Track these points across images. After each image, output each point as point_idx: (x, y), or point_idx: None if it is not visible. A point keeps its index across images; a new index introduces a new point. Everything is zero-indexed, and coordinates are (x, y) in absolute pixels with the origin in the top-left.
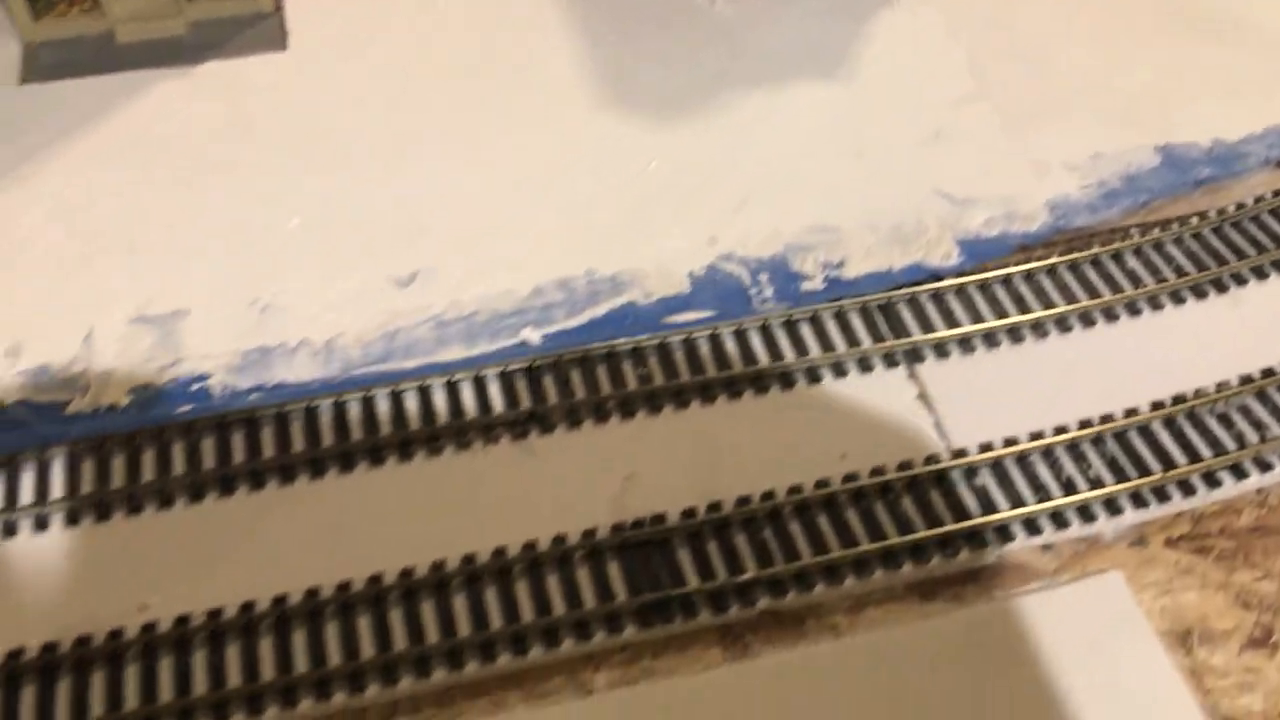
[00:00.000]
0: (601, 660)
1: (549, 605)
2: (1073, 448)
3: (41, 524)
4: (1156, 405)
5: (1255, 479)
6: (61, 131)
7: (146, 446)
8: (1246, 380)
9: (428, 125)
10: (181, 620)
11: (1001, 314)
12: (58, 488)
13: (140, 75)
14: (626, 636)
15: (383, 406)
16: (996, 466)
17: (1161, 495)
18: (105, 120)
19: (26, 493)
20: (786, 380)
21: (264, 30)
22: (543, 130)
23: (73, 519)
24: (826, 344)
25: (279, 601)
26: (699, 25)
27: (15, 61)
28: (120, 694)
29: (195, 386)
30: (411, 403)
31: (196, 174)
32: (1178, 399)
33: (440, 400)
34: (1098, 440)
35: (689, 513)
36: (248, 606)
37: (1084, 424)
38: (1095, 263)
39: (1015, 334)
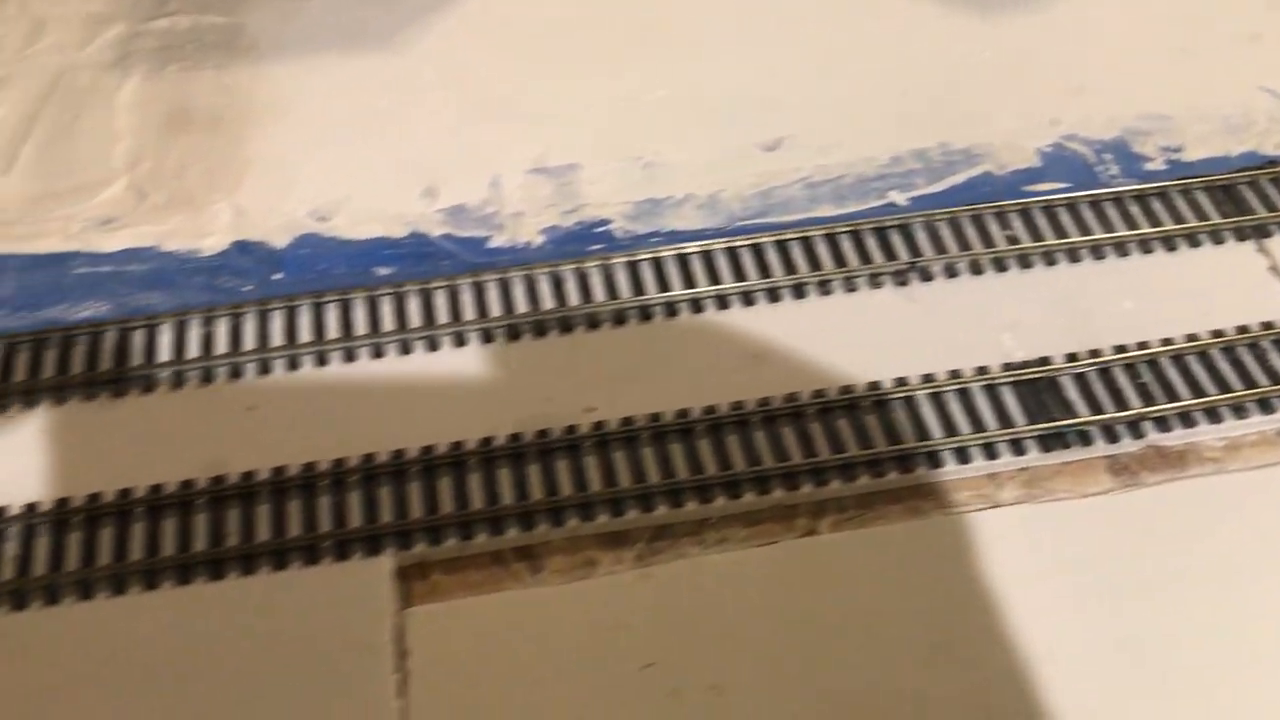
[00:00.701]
0: (1005, 480)
1: (955, 427)
2: None
3: (488, 337)
4: None
5: None
6: (427, 4)
7: (567, 279)
8: None
9: (770, 8)
10: (626, 421)
11: None
12: (495, 308)
13: None
14: (1028, 459)
15: (771, 254)
16: None
17: None
18: None
19: (469, 310)
20: (1145, 247)
21: None
22: (880, 17)
23: (514, 335)
24: (1178, 217)
25: (710, 410)
26: None
27: None
28: (584, 478)
29: (599, 229)
30: (797, 251)
31: (560, 45)
32: None
33: (823, 250)
34: None
35: (1071, 356)
36: (684, 413)
37: None
38: None
39: None
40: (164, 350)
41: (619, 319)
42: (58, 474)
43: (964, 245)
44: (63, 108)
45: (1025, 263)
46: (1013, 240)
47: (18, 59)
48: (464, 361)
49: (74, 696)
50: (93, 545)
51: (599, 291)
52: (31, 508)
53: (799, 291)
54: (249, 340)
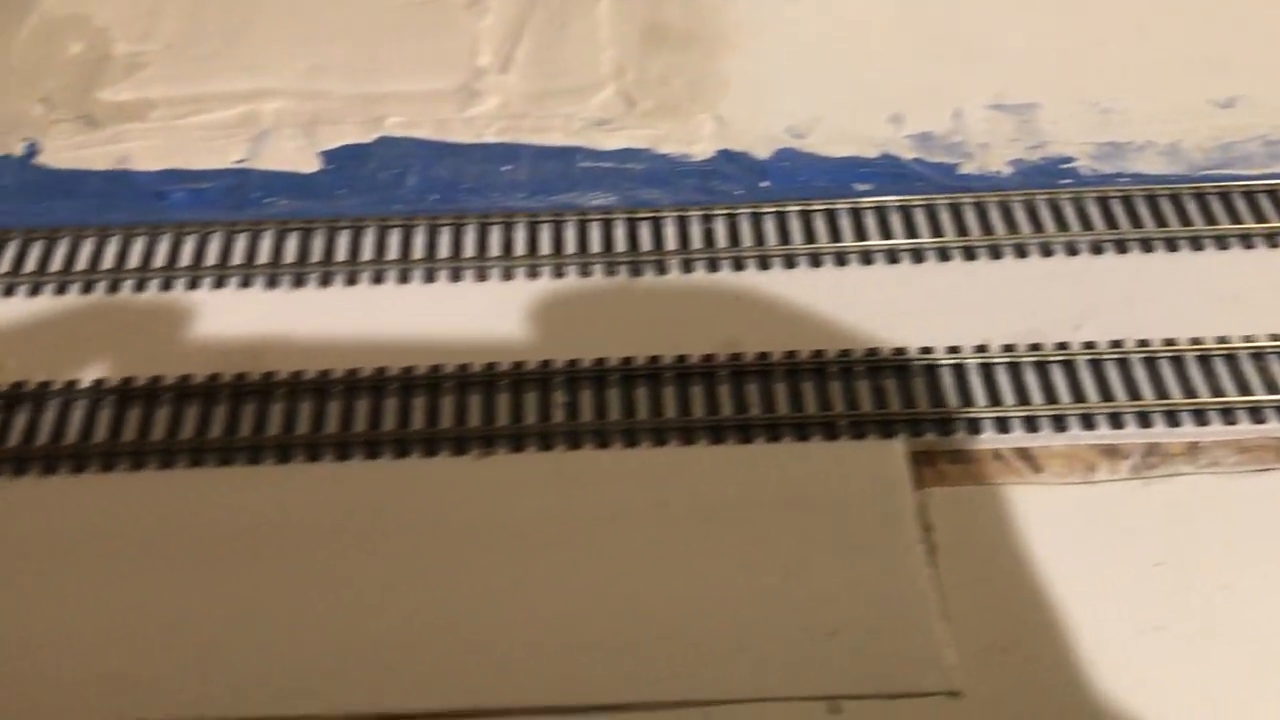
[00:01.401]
0: None
1: None
2: None
3: (970, 254)
4: None
5: None
6: None
7: (1041, 208)
8: None
9: None
10: (1115, 343)
11: None
12: (974, 229)
13: None
14: None
15: (1240, 203)
16: None
17: None
18: None
19: (949, 229)
20: None
21: None
22: None
23: (995, 254)
24: None
25: (1196, 341)
26: None
27: None
28: (1080, 391)
29: (1065, 166)
30: (1265, 203)
31: None
32: None
33: None
34: None
35: None
36: (1170, 341)
37: None
38: None
39: None
40: (670, 240)
41: (1096, 249)
42: (579, 338)
43: None
44: (548, 17)
45: None
46: None
47: None
48: (948, 274)
49: (613, 523)
50: (600, 401)
51: (1073, 222)
52: (574, 363)
53: (1273, 241)
54: (746, 238)
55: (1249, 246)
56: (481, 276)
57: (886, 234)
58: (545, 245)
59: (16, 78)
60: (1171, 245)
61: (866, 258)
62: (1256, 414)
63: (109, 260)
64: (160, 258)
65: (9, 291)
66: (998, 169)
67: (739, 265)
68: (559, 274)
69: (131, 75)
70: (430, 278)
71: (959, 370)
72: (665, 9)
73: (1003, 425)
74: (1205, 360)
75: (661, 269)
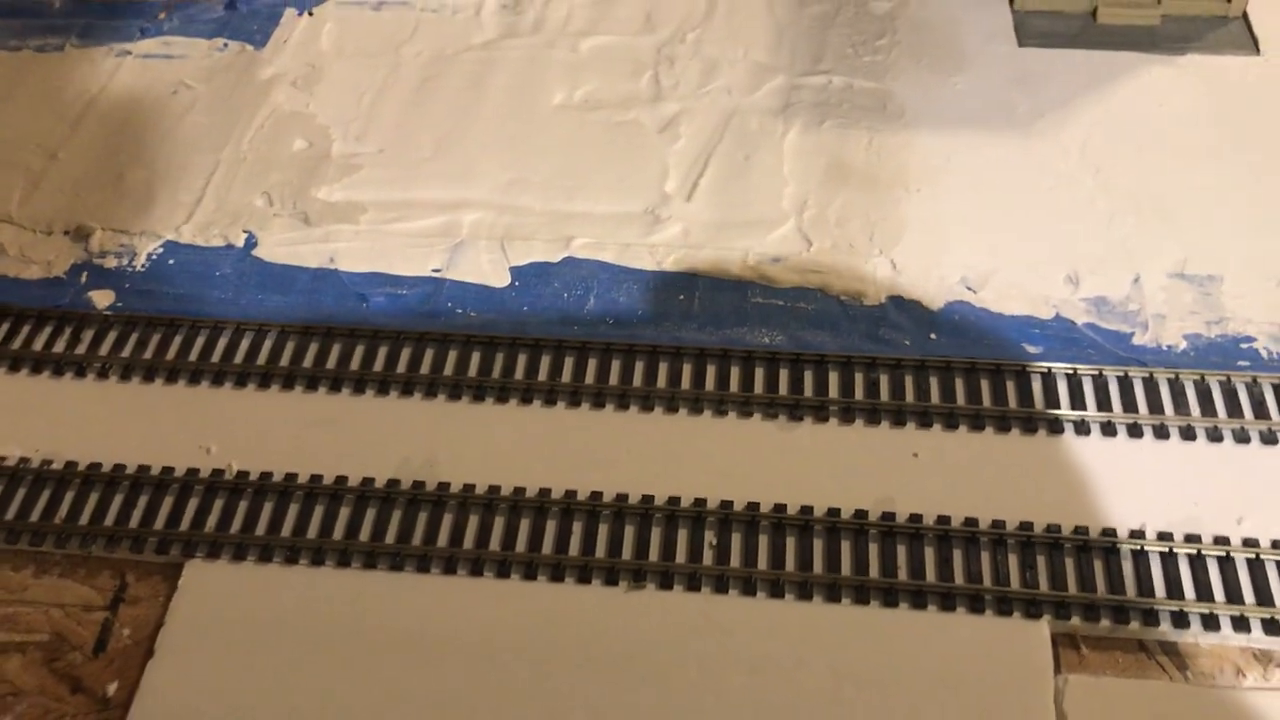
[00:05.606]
0: None
1: None
2: None
3: (1136, 432)
4: None
5: None
6: (1065, 96)
7: (1213, 389)
8: None
9: None
10: (1222, 539)
11: None
12: (1142, 406)
13: (1120, 56)
14: None
15: None
16: None
17: None
18: (1097, 91)
19: (1116, 403)
20: None
21: (1231, 32)
22: None
23: (1162, 434)
24: None
25: None
26: None
27: (1009, 26)
28: (1238, 592)
29: (1245, 346)
30: None
31: (1203, 155)
32: None
33: None
34: None
35: None
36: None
37: None
38: None
39: None
40: (833, 387)
41: (1269, 438)
42: (734, 481)
43: None
44: (735, 145)
45: None
46: None
47: (694, 95)
48: (1111, 450)
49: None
50: (750, 547)
51: (1247, 408)
52: (727, 505)
53: None
54: (909, 392)
55: None
56: (647, 407)
57: (1052, 402)
58: (711, 381)
59: (246, 168)
60: None
61: (1029, 425)
62: None
63: (310, 359)
64: (356, 361)
65: (218, 380)
66: (1173, 343)
67: (899, 420)
68: (720, 412)
69: (346, 176)
70: (599, 404)
71: (1111, 553)
72: (849, 148)
73: (1151, 617)
74: None
75: (822, 416)
